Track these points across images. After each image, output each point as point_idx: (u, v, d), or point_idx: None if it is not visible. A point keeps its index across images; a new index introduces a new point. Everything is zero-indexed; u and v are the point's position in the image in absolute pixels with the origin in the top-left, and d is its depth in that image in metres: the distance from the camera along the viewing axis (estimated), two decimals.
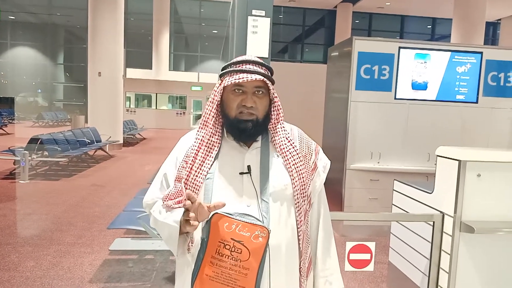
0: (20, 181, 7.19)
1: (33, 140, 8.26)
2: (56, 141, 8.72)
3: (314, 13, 22.00)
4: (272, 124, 1.30)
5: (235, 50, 2.41)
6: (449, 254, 2.17)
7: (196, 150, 1.26)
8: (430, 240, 2.30)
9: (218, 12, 21.62)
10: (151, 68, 23.21)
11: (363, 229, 4.44)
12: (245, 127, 1.24)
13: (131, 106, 22.58)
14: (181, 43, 26.80)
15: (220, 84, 1.27)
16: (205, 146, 1.27)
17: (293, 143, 1.31)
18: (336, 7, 20.34)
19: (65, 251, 4.06)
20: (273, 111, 1.30)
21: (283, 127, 1.31)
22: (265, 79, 1.24)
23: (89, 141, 10.04)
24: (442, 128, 4.76)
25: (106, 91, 11.26)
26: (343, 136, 4.72)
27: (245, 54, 1.33)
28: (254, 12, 2.37)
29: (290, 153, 1.29)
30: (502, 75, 4.85)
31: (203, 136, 1.27)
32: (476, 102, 4.83)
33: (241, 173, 1.25)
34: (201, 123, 1.30)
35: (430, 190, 2.46)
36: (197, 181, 1.24)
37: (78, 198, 6.25)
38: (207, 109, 1.29)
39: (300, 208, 1.29)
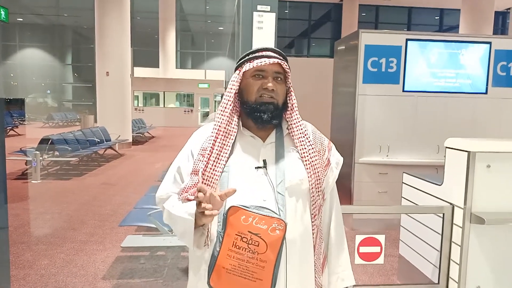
0: (32, 181, 7.29)
1: (43, 141, 8.36)
2: (67, 141, 8.83)
3: (320, 7, 21.88)
4: (288, 113, 1.32)
5: (241, 46, 2.42)
6: (459, 246, 2.17)
7: (213, 140, 1.26)
8: (440, 232, 2.30)
9: (223, 8, 21.58)
10: (158, 67, 23.30)
11: (372, 222, 4.43)
12: (266, 109, 1.25)
13: (139, 105, 22.76)
14: (188, 40, 26.86)
15: (238, 74, 1.29)
16: (222, 135, 1.27)
17: (308, 137, 1.33)
18: (342, 0, 20.19)
19: (78, 248, 4.12)
20: (289, 100, 1.31)
21: (299, 117, 1.33)
22: (284, 64, 1.27)
23: (98, 140, 10.14)
24: (451, 119, 4.72)
25: (114, 91, 11.35)
26: (351, 130, 4.70)
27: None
28: (259, 7, 2.37)
29: (306, 148, 1.31)
30: (511, 65, 4.79)
31: (219, 125, 1.27)
32: (486, 93, 4.78)
33: (257, 168, 1.26)
34: (220, 110, 1.29)
35: (440, 182, 2.45)
36: (215, 171, 1.24)
37: (90, 196, 6.33)
38: (225, 97, 1.29)
39: (315, 203, 1.31)
